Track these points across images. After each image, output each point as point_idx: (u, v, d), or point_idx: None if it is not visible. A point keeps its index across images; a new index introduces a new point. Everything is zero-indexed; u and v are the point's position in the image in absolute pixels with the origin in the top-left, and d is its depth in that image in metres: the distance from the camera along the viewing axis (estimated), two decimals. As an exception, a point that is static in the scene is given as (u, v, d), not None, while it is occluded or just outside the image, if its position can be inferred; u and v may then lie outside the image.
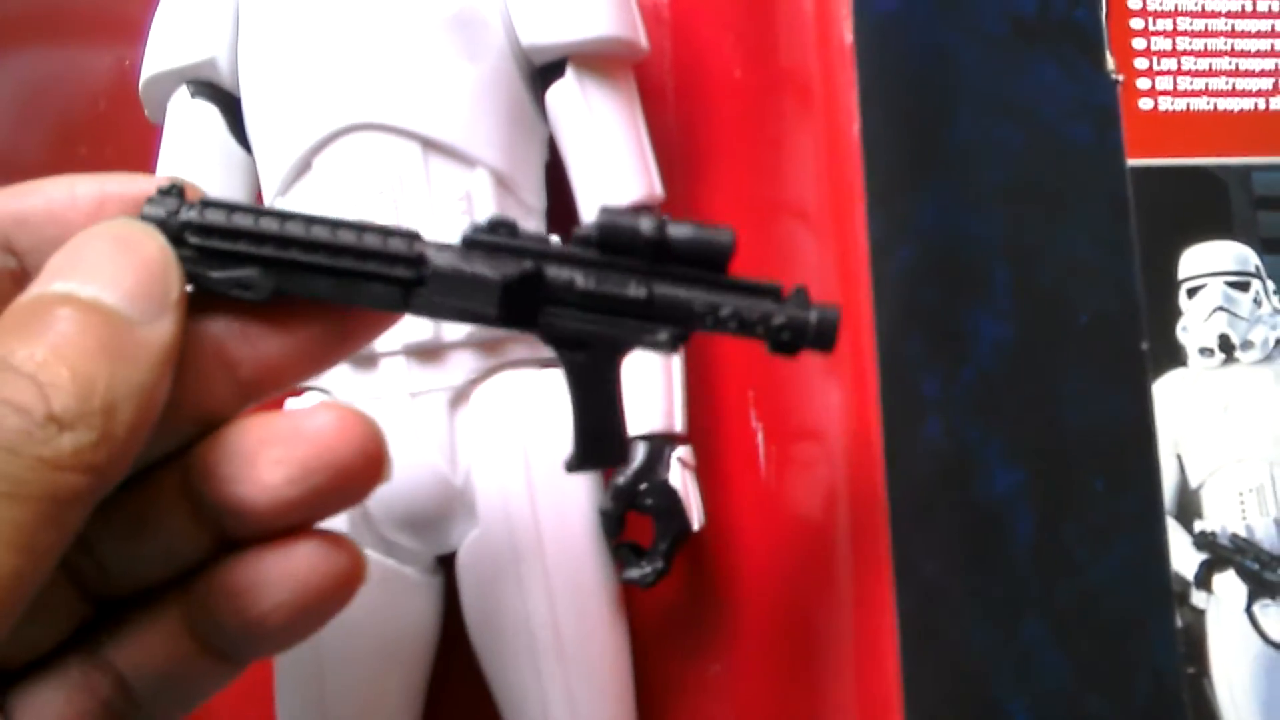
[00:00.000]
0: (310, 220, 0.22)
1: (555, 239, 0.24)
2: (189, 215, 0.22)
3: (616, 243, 0.23)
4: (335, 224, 0.22)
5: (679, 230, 0.23)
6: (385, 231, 0.23)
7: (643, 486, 0.34)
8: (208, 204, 0.22)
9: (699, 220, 0.38)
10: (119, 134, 0.39)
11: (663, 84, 0.39)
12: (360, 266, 0.22)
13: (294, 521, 0.23)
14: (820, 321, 0.24)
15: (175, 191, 0.22)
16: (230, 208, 0.22)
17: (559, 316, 0.24)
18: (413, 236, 0.23)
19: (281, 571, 0.22)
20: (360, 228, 0.22)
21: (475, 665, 0.35)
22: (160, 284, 0.21)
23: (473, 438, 0.34)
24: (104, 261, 0.20)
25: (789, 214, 0.36)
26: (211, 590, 0.22)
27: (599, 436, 0.25)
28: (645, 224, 0.23)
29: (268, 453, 0.22)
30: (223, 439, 0.22)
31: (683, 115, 0.39)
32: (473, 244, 0.23)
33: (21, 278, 0.22)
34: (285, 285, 0.22)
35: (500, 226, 0.23)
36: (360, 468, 0.22)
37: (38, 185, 0.23)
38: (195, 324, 0.22)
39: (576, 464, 0.25)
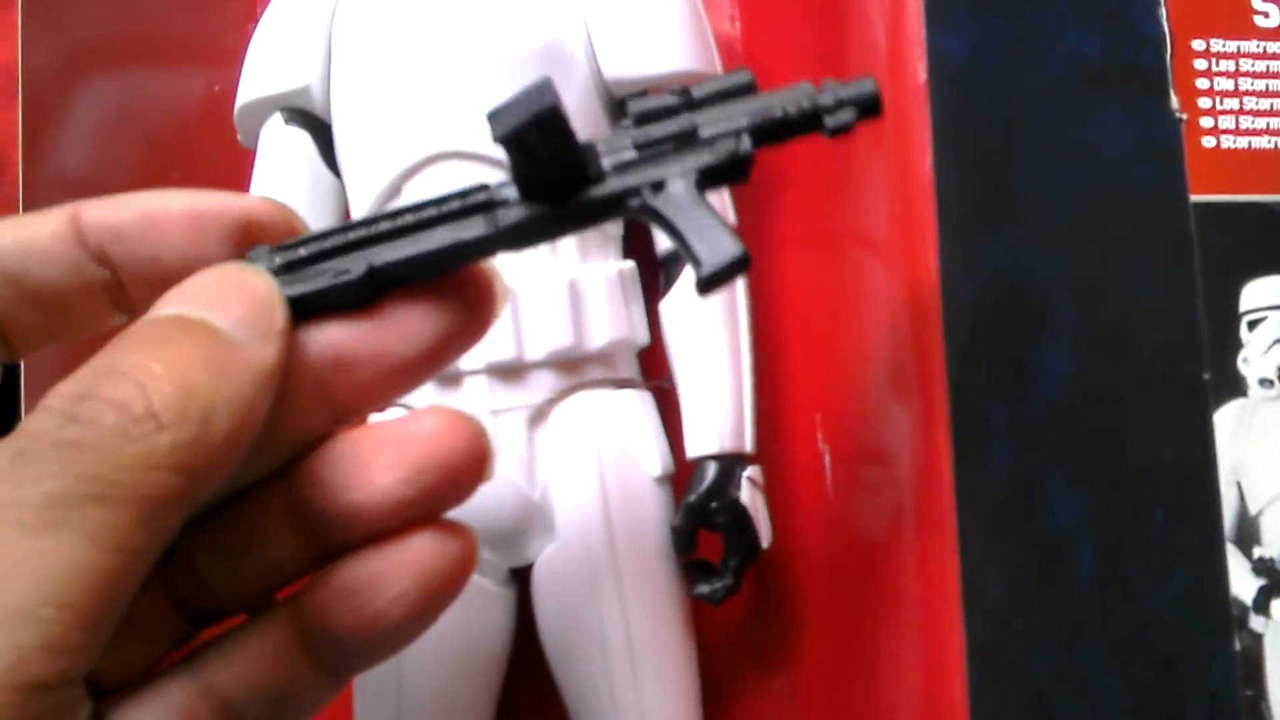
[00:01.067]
0: (394, 213, 0.23)
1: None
2: (284, 252, 0.23)
3: (654, 117, 0.24)
4: (415, 209, 0.23)
5: (703, 87, 0.24)
6: (457, 196, 0.23)
7: (714, 505, 0.35)
8: (302, 242, 0.23)
9: (767, 251, 0.39)
10: (209, 158, 0.41)
11: (734, 115, 0.40)
12: (441, 210, 0.23)
13: (404, 521, 0.23)
14: (861, 91, 0.25)
15: (266, 248, 0.23)
16: (322, 234, 0.23)
17: (626, 173, 0.23)
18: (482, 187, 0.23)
19: (400, 562, 0.23)
20: (439, 200, 0.23)
21: (544, 678, 0.36)
22: (266, 314, 0.21)
23: (551, 455, 0.35)
24: (213, 291, 0.21)
25: (859, 244, 0.37)
26: (325, 594, 0.23)
27: (716, 248, 0.24)
28: (668, 96, 0.24)
29: (380, 458, 0.23)
30: (330, 451, 0.23)
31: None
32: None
33: (116, 291, 0.23)
34: (377, 260, 0.22)
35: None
36: (468, 464, 0.23)
37: (130, 199, 0.23)
38: (294, 355, 0.22)
39: (711, 276, 0.24)
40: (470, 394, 0.35)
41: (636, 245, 0.37)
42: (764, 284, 0.39)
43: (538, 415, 0.35)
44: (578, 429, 0.35)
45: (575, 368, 0.35)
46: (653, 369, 0.38)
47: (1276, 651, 0.34)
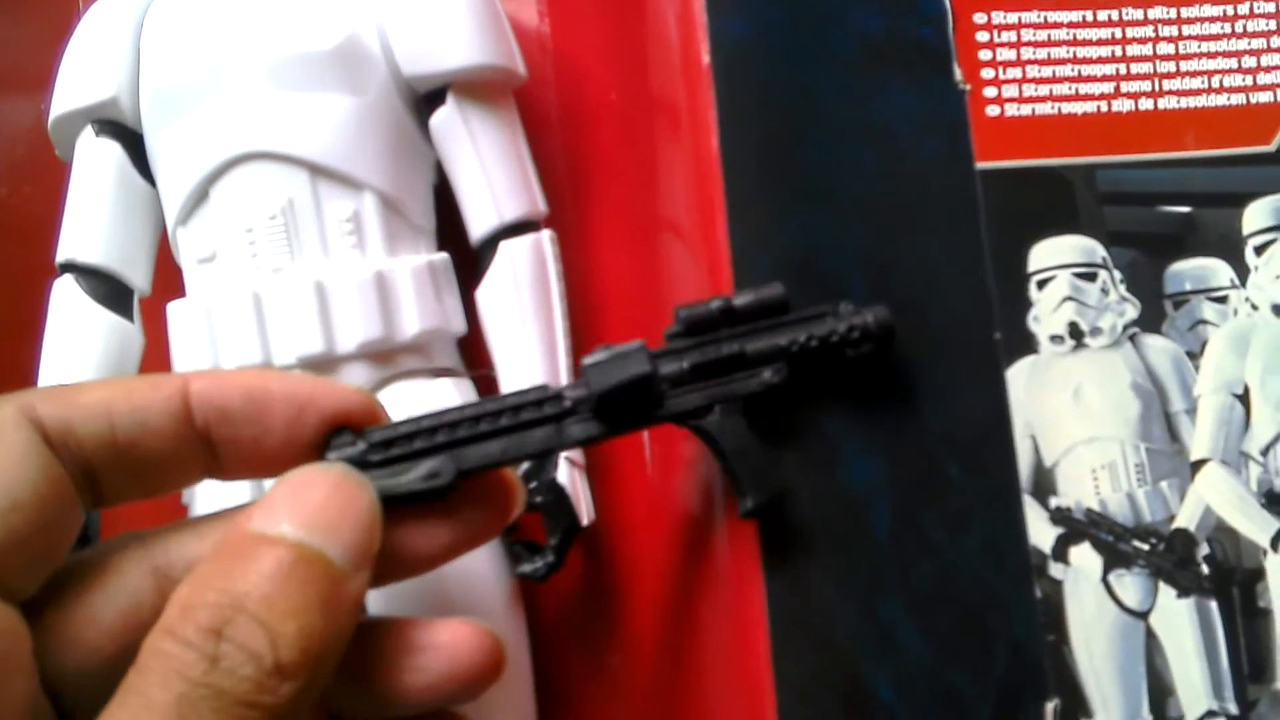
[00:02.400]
0: (465, 405, 0.27)
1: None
2: (372, 446, 0.26)
3: (699, 325, 0.30)
4: (484, 400, 0.28)
5: (742, 298, 0.31)
6: (521, 392, 0.28)
7: (531, 485, 0.36)
8: (385, 436, 0.26)
9: (582, 239, 0.40)
10: (36, 175, 0.41)
11: (547, 110, 0.41)
12: (517, 419, 0.27)
13: (421, 711, 0.26)
14: (877, 321, 0.33)
15: (349, 433, 0.26)
16: (396, 425, 0.27)
17: (681, 396, 0.30)
18: (543, 388, 0.29)
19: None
20: (504, 396, 0.28)
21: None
22: (369, 538, 0.24)
23: (367, 446, 0.36)
24: (328, 512, 0.23)
25: (665, 228, 0.38)
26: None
27: (759, 473, 0.31)
28: (714, 303, 0.31)
29: (411, 660, 0.25)
30: (364, 639, 0.25)
31: (567, 139, 0.41)
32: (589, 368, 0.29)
33: (211, 462, 0.25)
34: (464, 462, 0.27)
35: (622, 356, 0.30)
36: (486, 674, 0.26)
37: (234, 377, 0.25)
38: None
39: (755, 509, 0.32)
40: (283, 389, 0.35)
41: (449, 237, 0.38)
42: (582, 269, 0.40)
43: (352, 407, 0.36)
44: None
45: (389, 359, 0.36)
46: (476, 357, 0.39)
47: (1076, 597, 0.35)
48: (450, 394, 0.37)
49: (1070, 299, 0.37)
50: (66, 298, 0.37)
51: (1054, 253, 0.37)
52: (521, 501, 0.28)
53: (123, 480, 0.25)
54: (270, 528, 0.23)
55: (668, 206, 0.38)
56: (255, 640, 0.21)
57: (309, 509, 0.23)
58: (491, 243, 0.37)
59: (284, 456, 0.25)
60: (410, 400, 0.36)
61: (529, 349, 0.37)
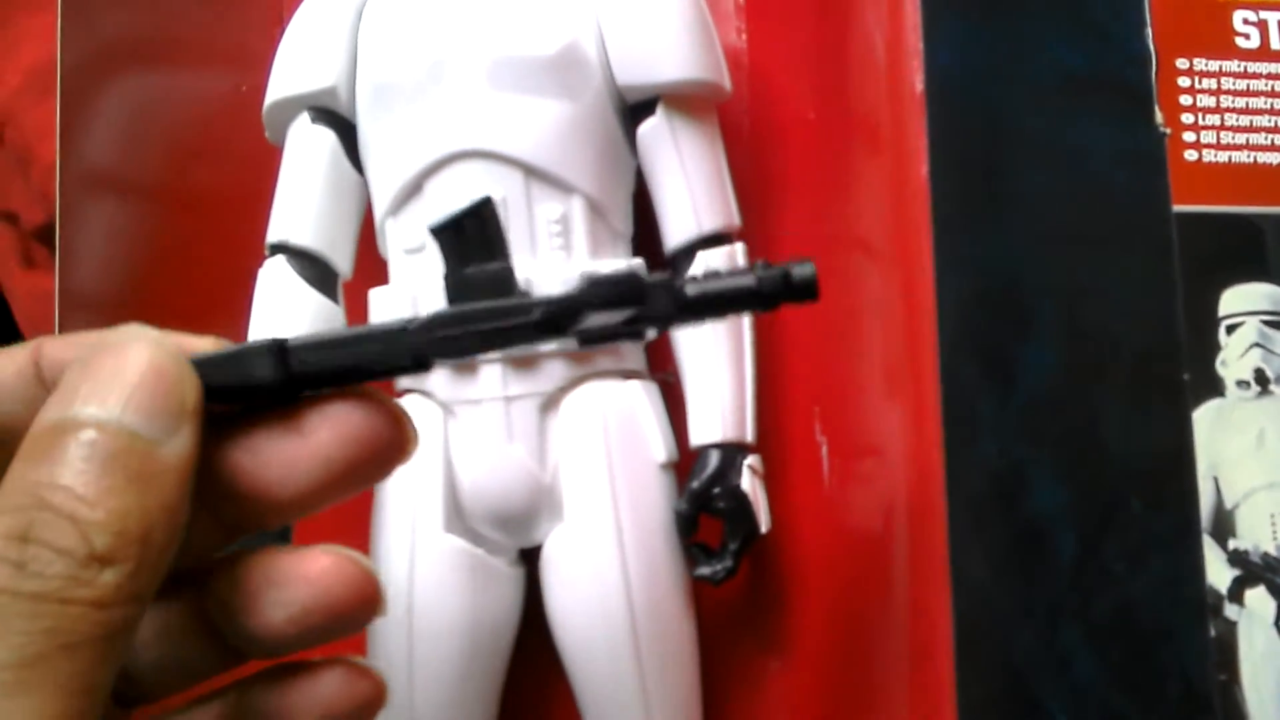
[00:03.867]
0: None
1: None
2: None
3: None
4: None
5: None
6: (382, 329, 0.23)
7: (716, 490, 0.37)
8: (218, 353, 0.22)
9: (768, 252, 0.41)
10: (234, 155, 0.43)
11: (740, 122, 0.42)
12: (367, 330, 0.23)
13: (296, 649, 0.24)
14: (798, 274, 0.24)
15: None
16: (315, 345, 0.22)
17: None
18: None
19: (309, 699, 0.24)
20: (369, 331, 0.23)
21: (550, 659, 0.38)
22: (176, 396, 0.21)
23: (561, 441, 0.36)
24: (119, 378, 0.21)
25: (856, 246, 0.39)
26: (239, 715, 0.24)
27: None
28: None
29: (270, 594, 0.23)
30: (233, 572, 0.23)
31: (758, 152, 0.42)
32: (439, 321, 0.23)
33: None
34: (295, 361, 0.22)
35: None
36: (356, 609, 0.23)
37: (88, 337, 0.23)
38: (207, 455, 0.22)
39: None
40: (486, 382, 0.36)
41: (645, 243, 0.39)
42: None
43: (549, 403, 0.37)
44: (588, 416, 0.37)
45: (586, 358, 0.37)
46: (658, 363, 0.40)
47: (1249, 638, 0.36)
48: (640, 396, 0.38)
49: (1258, 345, 0.37)
50: (277, 278, 0.38)
51: (1244, 299, 0.38)
52: (413, 436, 0.24)
53: None
54: (63, 412, 0.20)
55: (861, 226, 0.39)
56: (63, 535, 0.19)
57: (99, 383, 0.21)
58: (688, 252, 0.38)
59: None
60: (602, 399, 0.37)
61: (718, 358, 0.38)
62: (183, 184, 0.43)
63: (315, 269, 0.38)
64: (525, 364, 0.36)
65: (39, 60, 0.49)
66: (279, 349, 0.22)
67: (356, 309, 0.39)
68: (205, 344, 0.23)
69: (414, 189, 0.37)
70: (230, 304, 0.39)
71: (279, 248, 0.38)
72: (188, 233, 0.42)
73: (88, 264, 0.40)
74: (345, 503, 0.38)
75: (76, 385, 0.21)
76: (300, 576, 0.23)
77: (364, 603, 0.23)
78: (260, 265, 0.39)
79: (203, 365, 0.22)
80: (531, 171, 0.36)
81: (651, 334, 0.24)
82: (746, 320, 0.39)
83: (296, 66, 0.39)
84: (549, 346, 0.36)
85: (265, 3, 0.45)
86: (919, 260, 0.36)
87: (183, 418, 0.21)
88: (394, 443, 0.23)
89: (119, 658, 0.20)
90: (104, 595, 0.19)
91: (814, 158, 0.41)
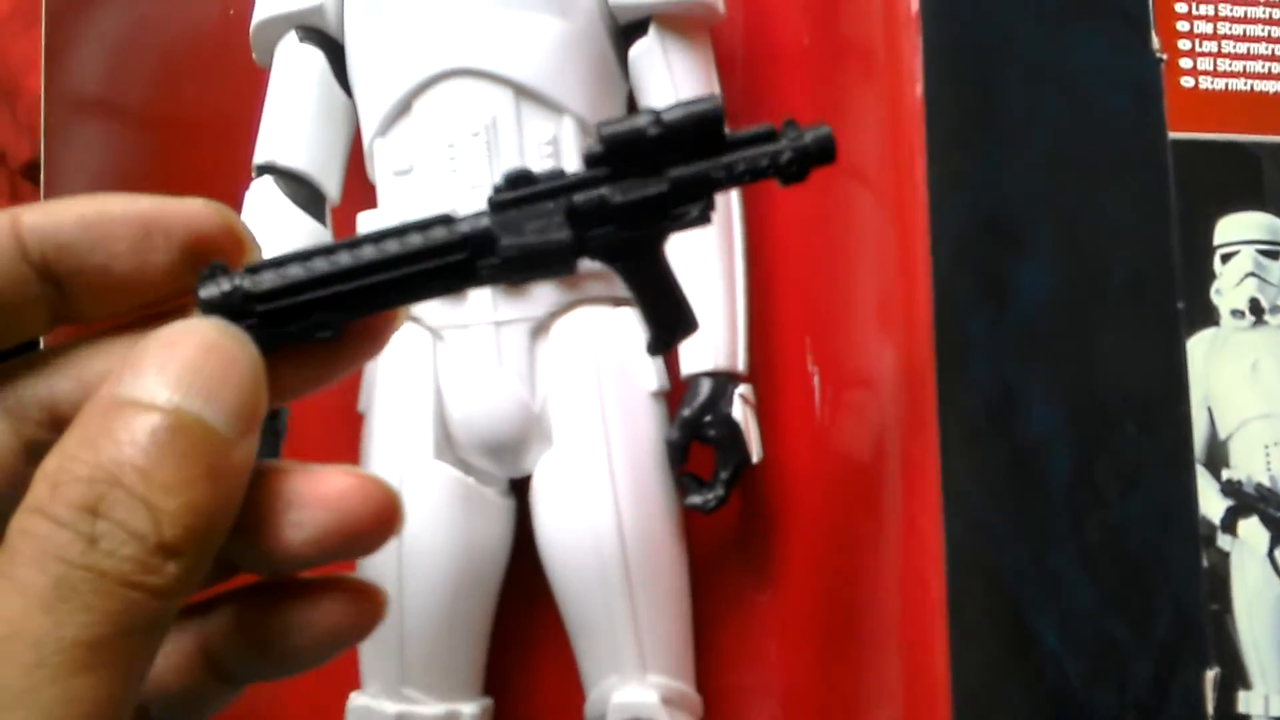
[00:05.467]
0: (356, 244, 0.23)
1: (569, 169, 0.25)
2: (246, 286, 0.22)
3: (624, 149, 0.24)
4: (380, 238, 0.23)
5: (673, 114, 0.24)
6: (424, 225, 0.23)
7: (707, 419, 0.36)
8: (256, 269, 0.22)
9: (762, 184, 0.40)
10: (223, 77, 0.42)
11: (733, 49, 0.42)
12: (418, 267, 0.23)
13: (309, 567, 0.23)
14: (817, 140, 0.26)
15: (220, 269, 0.22)
16: (278, 263, 0.22)
17: (600, 236, 0.24)
18: (448, 220, 0.23)
19: (311, 622, 0.24)
20: (401, 231, 0.23)
21: (540, 594, 0.37)
22: (254, 400, 0.21)
23: (551, 367, 0.36)
24: (205, 374, 0.21)
25: (849, 173, 0.39)
26: (236, 628, 0.24)
27: (670, 318, 0.27)
28: (643, 121, 0.24)
29: (289, 515, 0.23)
30: (254, 489, 0.23)
31: (751, 77, 0.41)
32: (501, 206, 0.23)
33: (58, 301, 0.22)
34: (357, 312, 0.23)
35: (519, 180, 0.24)
36: (375, 530, 0.23)
37: (69, 205, 0.22)
38: None
39: (657, 347, 0.27)
40: (475, 306, 0.36)
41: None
42: (757, 211, 0.40)
43: (539, 328, 0.36)
44: (578, 343, 0.36)
45: (576, 283, 0.37)
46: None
47: (1241, 569, 0.35)
48: (630, 322, 0.37)
49: (1253, 275, 0.37)
50: (265, 198, 0.37)
51: (1239, 228, 0.37)
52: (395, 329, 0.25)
53: None
54: (142, 392, 0.20)
55: (855, 153, 0.39)
56: (136, 517, 0.19)
57: (184, 370, 0.20)
58: (680, 176, 0.38)
59: (138, 287, 0.22)
60: (593, 325, 0.36)
61: (711, 286, 0.37)
62: (169, 108, 0.42)
63: (303, 191, 0.38)
64: (515, 288, 0.36)
65: (26, -11, 0.49)
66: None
67: (345, 232, 0.38)
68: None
69: (403, 108, 0.37)
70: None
71: (266, 169, 0.38)
72: (175, 157, 0.42)
73: (74, 191, 0.40)
74: (334, 426, 0.38)
75: (160, 367, 0.20)
76: (320, 498, 0.23)
77: (384, 523, 0.23)
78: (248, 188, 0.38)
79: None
80: (522, 91, 0.36)
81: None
82: (739, 249, 0.38)
83: (283, -15, 0.38)
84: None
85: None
86: (913, 183, 0.35)
87: (256, 421, 0.21)
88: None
89: (162, 641, 0.20)
90: (166, 586, 0.19)
91: (808, 83, 0.40)
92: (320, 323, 0.23)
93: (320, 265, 0.22)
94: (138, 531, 0.19)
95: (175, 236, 0.22)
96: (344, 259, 0.22)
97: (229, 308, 0.22)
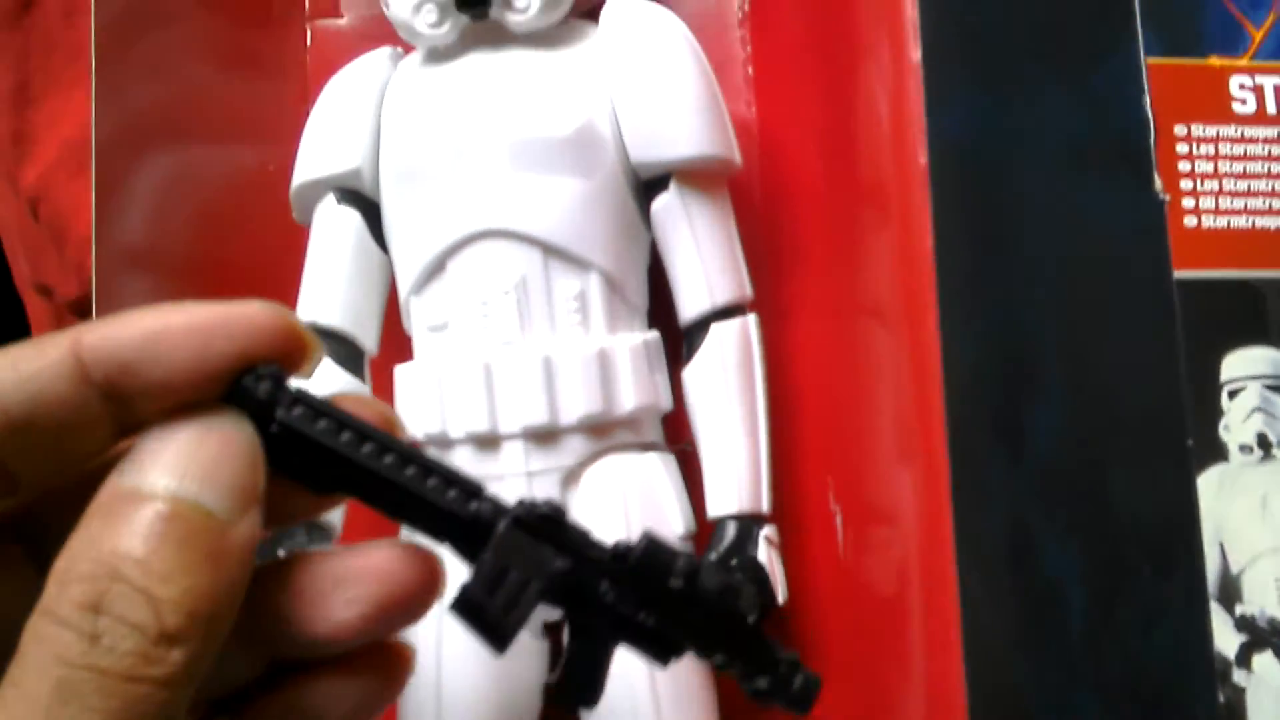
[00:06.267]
0: (385, 448, 0.23)
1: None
2: (281, 411, 0.22)
3: (650, 571, 0.23)
4: (405, 458, 0.23)
5: (709, 580, 0.24)
6: (448, 479, 0.23)
7: (733, 563, 0.38)
8: (299, 399, 0.22)
9: (780, 319, 0.42)
10: (263, 230, 0.44)
11: (750, 190, 0.43)
12: (413, 508, 0.23)
13: (364, 641, 0.24)
14: (799, 690, 0.25)
15: (273, 376, 0.22)
16: (318, 411, 0.23)
17: (581, 608, 0.24)
18: (472, 492, 0.23)
19: (350, 688, 0.24)
20: (428, 469, 0.23)
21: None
22: (250, 479, 0.21)
23: (583, 515, 0.37)
24: (200, 457, 0.21)
25: (866, 312, 0.40)
26: (279, 711, 0.24)
27: (583, 685, 0.25)
28: (680, 564, 0.23)
29: (341, 593, 0.23)
30: (290, 581, 0.23)
31: (768, 220, 0.43)
32: (522, 523, 0.23)
33: (124, 424, 0.22)
34: (350, 494, 0.23)
35: (550, 518, 0.23)
36: (424, 594, 0.24)
37: (131, 320, 0.22)
38: None
39: (559, 698, 0.25)
40: (508, 457, 0.37)
41: (659, 316, 0.40)
42: (778, 348, 0.41)
43: (570, 477, 0.38)
44: (608, 491, 0.38)
45: (605, 432, 0.38)
46: (675, 432, 0.41)
47: (1257, 704, 0.36)
48: (658, 468, 0.39)
49: (1259, 410, 0.38)
50: (306, 358, 0.39)
51: (1245, 363, 0.38)
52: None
53: (30, 462, 0.22)
54: (140, 482, 0.21)
55: (870, 293, 0.40)
56: (136, 610, 0.19)
57: (179, 455, 0.21)
58: (702, 325, 0.39)
59: (201, 391, 0.22)
60: (623, 473, 0.38)
61: (734, 430, 0.39)
62: (212, 259, 0.44)
63: (343, 348, 0.39)
64: (547, 439, 0.37)
65: (73, 137, 0.51)
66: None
67: (383, 383, 0.40)
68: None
69: (437, 267, 0.38)
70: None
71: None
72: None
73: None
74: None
75: (155, 455, 0.21)
76: (369, 571, 0.23)
77: (431, 586, 0.24)
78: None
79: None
80: (550, 249, 0.38)
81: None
82: (761, 390, 0.40)
83: (322, 149, 0.40)
84: (569, 421, 0.37)
85: (292, 80, 0.46)
86: (926, 327, 0.37)
87: (253, 501, 0.21)
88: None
89: None
90: (171, 674, 0.20)
91: (823, 225, 0.42)
92: (315, 478, 0.23)
93: (345, 441, 0.23)
94: (139, 623, 0.19)
95: (236, 341, 0.22)
96: (365, 453, 0.23)
97: (254, 407, 0.22)
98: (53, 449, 0.22)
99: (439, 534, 0.23)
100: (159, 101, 0.43)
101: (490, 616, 0.23)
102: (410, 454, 0.23)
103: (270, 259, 0.44)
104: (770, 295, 0.42)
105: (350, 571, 0.23)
